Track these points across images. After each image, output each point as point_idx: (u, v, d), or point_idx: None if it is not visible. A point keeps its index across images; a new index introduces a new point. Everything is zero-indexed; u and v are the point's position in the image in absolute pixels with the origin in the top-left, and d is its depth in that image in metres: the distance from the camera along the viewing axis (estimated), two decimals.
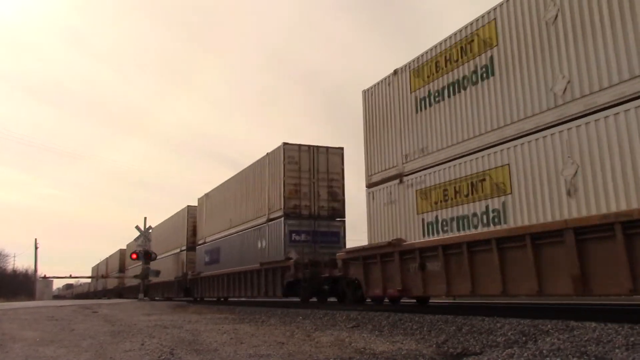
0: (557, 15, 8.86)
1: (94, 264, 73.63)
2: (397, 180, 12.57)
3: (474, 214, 10.32)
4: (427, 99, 11.88)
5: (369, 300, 14.04)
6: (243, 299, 22.34)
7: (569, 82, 8.59)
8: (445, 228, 11.08)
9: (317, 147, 18.47)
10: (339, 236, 18.12)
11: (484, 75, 10.35)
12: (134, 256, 32.23)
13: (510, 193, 9.55)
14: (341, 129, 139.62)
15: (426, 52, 12.04)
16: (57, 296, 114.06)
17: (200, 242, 27.83)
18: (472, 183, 10.42)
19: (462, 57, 10.97)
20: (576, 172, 8.33)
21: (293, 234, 17.72)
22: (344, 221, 18.37)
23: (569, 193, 8.44)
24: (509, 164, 9.63)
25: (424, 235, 11.61)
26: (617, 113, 7.81)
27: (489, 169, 10.07)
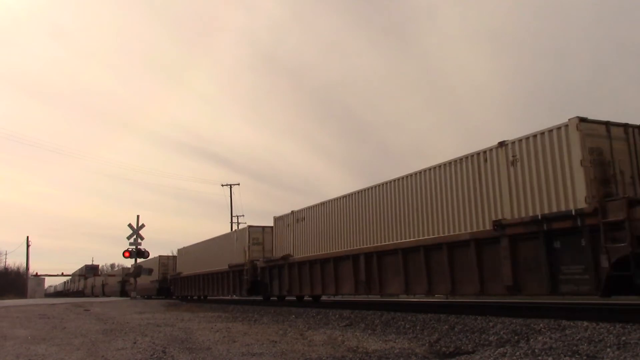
0: None
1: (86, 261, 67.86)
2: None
3: None
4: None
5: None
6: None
7: None
8: None
9: None
10: None
11: None
12: (127, 254, 31.74)
13: None
14: (331, 126, 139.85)
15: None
16: (61, 293, 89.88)
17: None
18: None
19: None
20: None
21: None
22: None
23: None
24: None
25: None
26: None
27: None
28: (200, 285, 27.19)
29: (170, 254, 37.86)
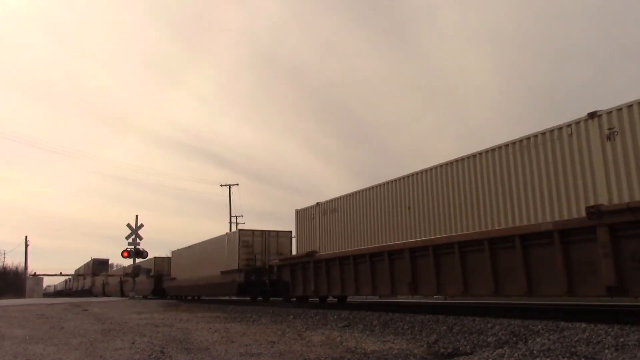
0: None
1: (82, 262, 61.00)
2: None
3: None
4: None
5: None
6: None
7: None
8: None
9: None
10: None
11: None
12: (125, 254, 31.56)
13: None
14: (330, 126, 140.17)
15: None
16: (61, 293, 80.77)
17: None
18: None
19: None
20: None
21: None
22: None
23: None
24: None
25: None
26: None
27: None
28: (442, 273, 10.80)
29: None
